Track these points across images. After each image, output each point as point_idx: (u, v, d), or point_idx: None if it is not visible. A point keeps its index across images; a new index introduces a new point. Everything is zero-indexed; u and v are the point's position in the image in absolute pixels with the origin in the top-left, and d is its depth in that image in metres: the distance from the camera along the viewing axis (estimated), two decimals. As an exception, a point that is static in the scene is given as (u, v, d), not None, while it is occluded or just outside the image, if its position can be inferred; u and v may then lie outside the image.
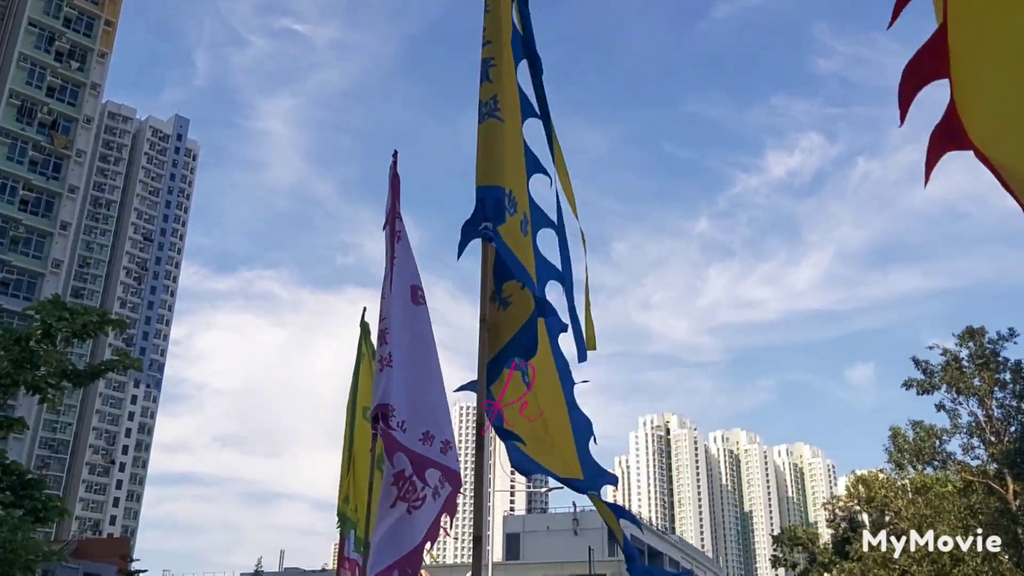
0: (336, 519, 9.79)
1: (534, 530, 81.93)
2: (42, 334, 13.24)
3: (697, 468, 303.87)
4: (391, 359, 5.93)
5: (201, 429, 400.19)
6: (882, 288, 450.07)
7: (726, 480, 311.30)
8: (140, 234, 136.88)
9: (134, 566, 54.60)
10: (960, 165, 3.18)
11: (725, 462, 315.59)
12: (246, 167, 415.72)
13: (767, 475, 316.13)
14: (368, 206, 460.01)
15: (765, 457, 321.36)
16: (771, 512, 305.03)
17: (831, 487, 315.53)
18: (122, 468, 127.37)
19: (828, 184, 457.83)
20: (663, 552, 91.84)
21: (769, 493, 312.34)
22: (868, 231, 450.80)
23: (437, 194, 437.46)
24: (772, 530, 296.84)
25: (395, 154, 6.87)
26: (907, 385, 38.31)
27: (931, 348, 38.66)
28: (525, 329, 5.12)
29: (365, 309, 9.72)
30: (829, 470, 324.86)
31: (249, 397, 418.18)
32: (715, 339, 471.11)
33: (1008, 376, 36.57)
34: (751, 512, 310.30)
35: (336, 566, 11.36)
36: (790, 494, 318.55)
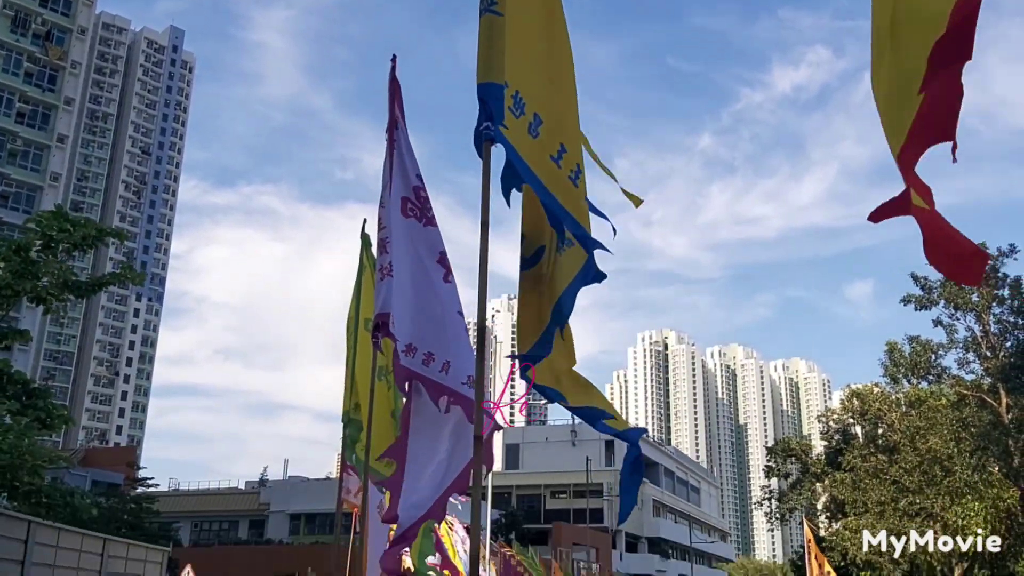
0: (342, 429, 9.92)
1: (533, 441, 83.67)
2: (42, 245, 13.24)
3: (694, 382, 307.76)
4: (391, 268, 5.91)
5: (204, 342, 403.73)
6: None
7: (722, 394, 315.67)
8: (138, 147, 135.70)
9: (141, 474, 55.75)
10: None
11: (722, 376, 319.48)
12: (242, 80, 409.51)
13: (763, 389, 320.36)
14: (366, 120, 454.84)
15: (761, 371, 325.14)
16: (766, 425, 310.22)
17: (826, 401, 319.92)
18: (126, 380, 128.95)
19: (833, 99, 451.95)
20: (659, 462, 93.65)
21: (764, 406, 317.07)
22: (872, 148, 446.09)
23: (436, 109, 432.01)
24: (766, 442, 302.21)
25: (394, 59, 6.68)
26: (905, 301, 38.45)
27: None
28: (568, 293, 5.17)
29: (365, 221, 9.67)
30: (824, 385, 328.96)
31: (250, 311, 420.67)
32: (715, 256, 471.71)
33: (1007, 292, 36.66)
34: (746, 425, 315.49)
35: (339, 472, 11.58)
36: (785, 407, 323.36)
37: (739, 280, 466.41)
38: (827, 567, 41.26)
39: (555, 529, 68.49)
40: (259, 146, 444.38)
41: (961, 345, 38.38)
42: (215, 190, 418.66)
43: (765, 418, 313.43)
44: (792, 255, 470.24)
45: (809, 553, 42.22)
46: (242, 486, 77.16)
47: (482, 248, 4.77)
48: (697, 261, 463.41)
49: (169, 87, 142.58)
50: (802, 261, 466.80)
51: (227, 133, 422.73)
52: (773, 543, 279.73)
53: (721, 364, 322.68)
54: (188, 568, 25.12)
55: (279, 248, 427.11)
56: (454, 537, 24.05)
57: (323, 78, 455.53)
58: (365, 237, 9.49)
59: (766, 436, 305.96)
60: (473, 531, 4.75)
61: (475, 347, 6.07)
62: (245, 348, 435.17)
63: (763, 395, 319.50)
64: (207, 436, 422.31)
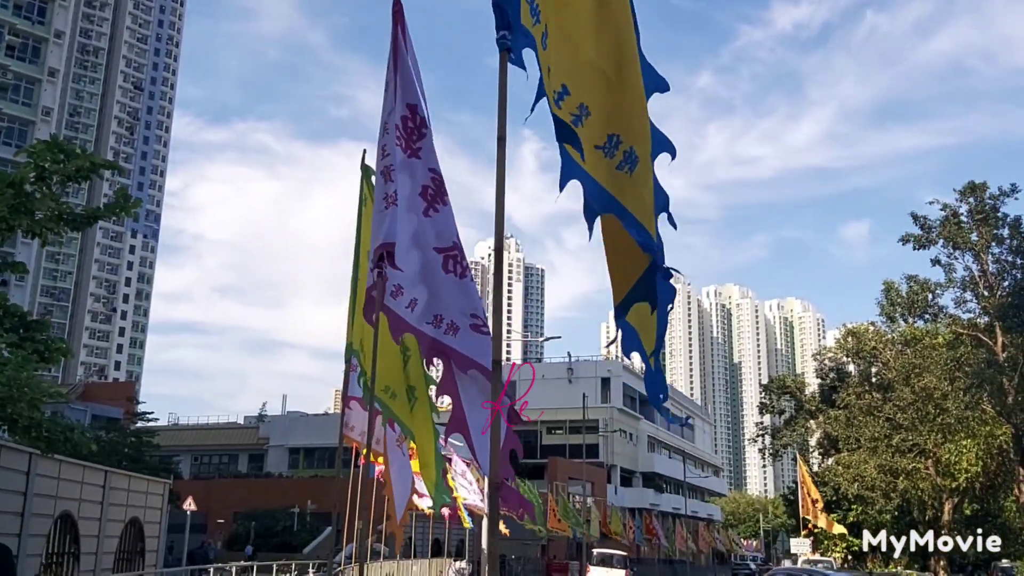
0: (344, 362, 9.82)
1: (529, 378, 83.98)
2: (36, 177, 13.01)
3: (689, 321, 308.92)
4: (396, 197, 5.74)
5: (201, 279, 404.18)
6: (881, 146, 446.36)
7: (717, 333, 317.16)
8: (130, 83, 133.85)
9: (140, 408, 56.05)
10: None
11: (717, 316, 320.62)
12: (235, 15, 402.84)
13: (757, 328, 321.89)
14: (362, 57, 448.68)
15: (756, 311, 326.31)
16: (760, 364, 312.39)
17: (820, 340, 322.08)
18: (124, 316, 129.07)
19: (834, 38, 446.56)
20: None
21: (759, 345, 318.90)
22: (871, 87, 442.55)
23: (433, 48, 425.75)
24: (760, 380, 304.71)
25: (397, -26, 6.44)
26: (904, 240, 38.26)
27: (931, 203, 38.45)
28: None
29: (365, 152, 9.43)
30: (819, 324, 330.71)
31: (247, 249, 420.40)
32: (711, 196, 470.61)
33: (1006, 232, 36.48)
34: (740, 363, 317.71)
35: (341, 406, 11.56)
36: (779, 347, 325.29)
37: (735, 220, 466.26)
38: (820, 501, 42.02)
39: (551, 464, 69.27)
40: (253, 83, 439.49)
41: (959, 284, 38.33)
42: (209, 127, 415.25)
43: (759, 357, 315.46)
44: (788, 196, 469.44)
45: (802, 488, 42.97)
46: (241, 421, 77.84)
47: (499, 166, 4.51)
48: (694, 201, 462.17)
49: (161, 21, 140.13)
50: (798, 202, 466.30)
51: (220, 69, 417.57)
52: (765, 479, 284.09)
53: (716, 303, 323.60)
54: (189, 499, 25.37)
55: (275, 186, 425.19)
56: (453, 471, 24.35)
57: (319, 14, 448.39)
58: (365, 168, 9.25)
59: (760, 375, 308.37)
60: (493, 459, 4.69)
61: (469, 281, 5.93)
62: (242, 286, 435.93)
63: (758, 334, 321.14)
64: (206, 373, 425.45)
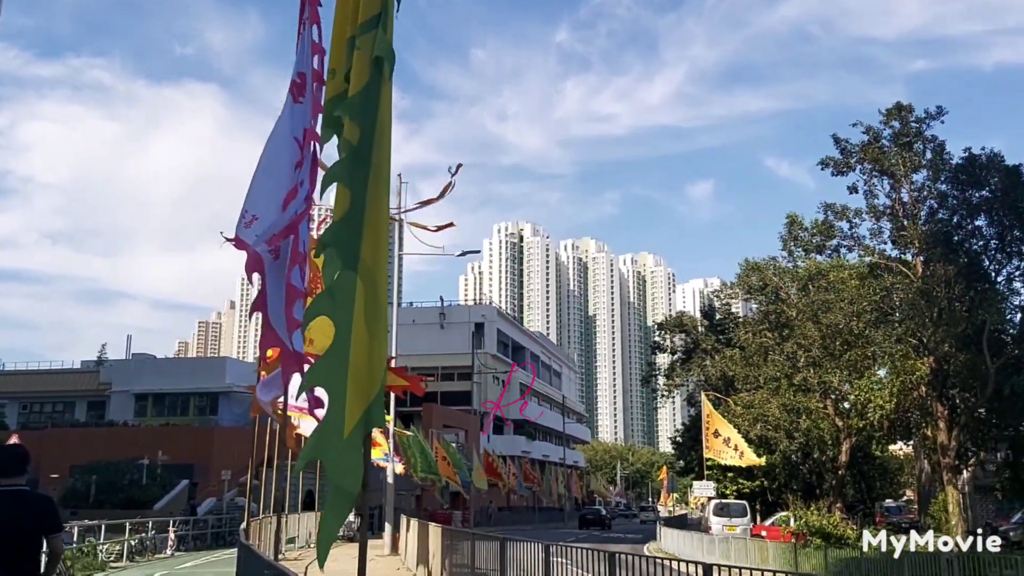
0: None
1: (401, 323, 79.44)
2: None
3: (547, 274, 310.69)
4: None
5: (29, 224, 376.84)
6: (727, 107, 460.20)
7: (574, 286, 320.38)
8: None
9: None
10: None
11: (574, 269, 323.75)
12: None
13: (612, 281, 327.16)
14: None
15: (611, 265, 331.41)
16: (613, 316, 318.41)
17: (671, 294, 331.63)
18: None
19: (688, 1, 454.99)
20: (526, 347, 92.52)
21: (613, 298, 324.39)
22: (720, 51, 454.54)
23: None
24: (614, 332, 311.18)
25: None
26: (823, 164, 35.97)
27: (854, 126, 36.23)
28: None
29: None
30: (669, 278, 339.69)
31: (81, 193, 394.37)
32: (566, 152, 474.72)
33: (929, 156, 34.78)
34: (595, 316, 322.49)
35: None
36: (632, 300, 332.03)
37: (588, 177, 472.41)
38: (731, 435, 39.59)
39: (425, 411, 65.88)
40: (90, 15, 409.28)
41: (872, 214, 36.45)
42: (39, 61, 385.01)
43: (613, 309, 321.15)
44: (640, 154, 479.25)
45: (706, 427, 40.60)
46: (78, 366, 70.14)
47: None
48: (549, 157, 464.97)
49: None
50: (649, 160, 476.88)
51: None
52: (616, 427, 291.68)
53: (574, 257, 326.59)
54: (14, 438, 20.21)
55: (112, 127, 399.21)
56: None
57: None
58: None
59: (614, 326, 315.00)
60: None
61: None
62: (75, 232, 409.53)
63: (612, 287, 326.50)
64: (34, 323, 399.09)
